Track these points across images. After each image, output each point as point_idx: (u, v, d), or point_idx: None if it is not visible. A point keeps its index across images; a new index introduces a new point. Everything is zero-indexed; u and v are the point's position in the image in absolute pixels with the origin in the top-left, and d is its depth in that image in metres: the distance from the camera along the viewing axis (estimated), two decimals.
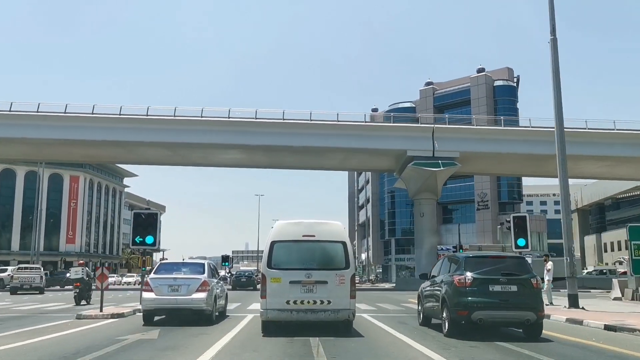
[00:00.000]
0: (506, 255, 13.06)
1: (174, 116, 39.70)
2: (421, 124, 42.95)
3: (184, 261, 15.53)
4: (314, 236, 10.38)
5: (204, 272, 12.80)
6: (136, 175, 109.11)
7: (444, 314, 10.34)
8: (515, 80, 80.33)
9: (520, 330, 10.53)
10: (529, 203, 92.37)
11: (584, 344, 9.60)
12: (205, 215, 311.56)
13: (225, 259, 60.29)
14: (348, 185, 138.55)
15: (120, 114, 39.48)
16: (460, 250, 36.69)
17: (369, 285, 67.68)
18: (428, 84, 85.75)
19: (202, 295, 12.13)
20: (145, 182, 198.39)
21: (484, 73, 78.76)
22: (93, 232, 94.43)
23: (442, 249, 80.00)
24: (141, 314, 12.94)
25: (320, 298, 9.99)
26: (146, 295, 12.46)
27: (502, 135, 38.99)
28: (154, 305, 12.28)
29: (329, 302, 10.00)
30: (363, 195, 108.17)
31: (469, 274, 10.01)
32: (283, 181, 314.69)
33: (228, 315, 14.47)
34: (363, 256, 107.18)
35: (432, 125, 40.59)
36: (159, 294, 12.13)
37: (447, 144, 39.50)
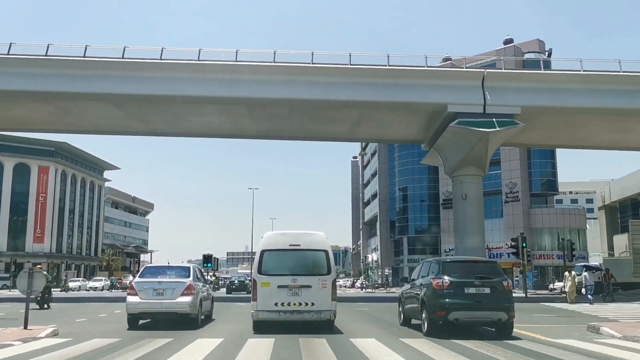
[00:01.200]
0: (480, 260, 14.44)
1: (123, 58, 28.08)
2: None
3: (170, 265, 14.66)
4: (299, 245, 11.58)
5: (189, 276, 12.62)
6: (118, 168, 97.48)
7: (424, 315, 11.06)
8: (547, 53, 68.84)
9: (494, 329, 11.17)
10: (559, 201, 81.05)
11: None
12: (198, 215, 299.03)
13: (207, 259, 48.67)
14: (352, 180, 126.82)
15: (47, 55, 27.93)
16: None
17: (382, 292, 55.50)
18: (446, 59, 74.14)
19: (187, 299, 12.05)
20: (129, 176, 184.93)
21: (512, 45, 67.25)
22: (66, 231, 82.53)
23: None
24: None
25: (305, 300, 11.14)
26: (130, 299, 12.22)
27: (583, 84, 27.26)
28: (138, 309, 12.13)
29: (313, 304, 11.17)
30: (370, 190, 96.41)
31: (446, 278, 10.71)
32: (282, 177, 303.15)
33: (214, 319, 14.40)
34: (370, 258, 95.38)
35: (483, 70, 28.74)
36: (144, 297, 12.02)
37: (503, 95, 27.71)
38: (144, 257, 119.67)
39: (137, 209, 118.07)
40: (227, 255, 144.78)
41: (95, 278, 60.67)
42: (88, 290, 53.98)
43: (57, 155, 79.57)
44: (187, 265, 14.02)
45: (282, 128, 33.04)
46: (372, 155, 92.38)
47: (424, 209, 74.59)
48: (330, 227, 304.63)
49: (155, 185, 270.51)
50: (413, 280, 12.76)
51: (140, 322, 12.60)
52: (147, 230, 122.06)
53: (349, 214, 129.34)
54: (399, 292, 14.19)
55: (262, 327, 11.33)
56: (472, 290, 10.57)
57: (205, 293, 13.77)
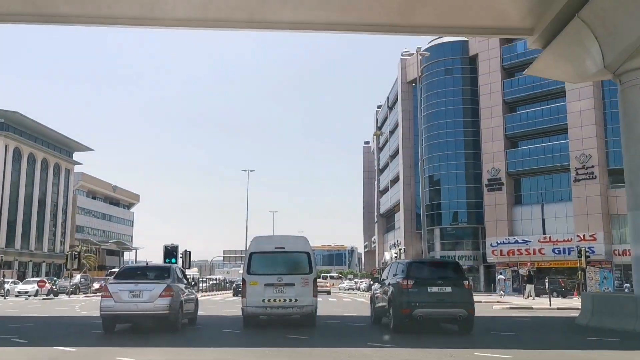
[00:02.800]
0: (443, 261, 15.06)
1: None
2: None
3: (149, 265, 15.24)
4: (283, 248, 12.75)
5: (169, 277, 12.09)
6: (90, 149, 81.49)
7: (391, 312, 11.71)
8: None
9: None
10: None
11: None
12: (191, 208, 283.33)
13: (170, 252, 32.86)
14: (363, 169, 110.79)
15: None
16: None
17: None
18: None
19: (165, 301, 11.42)
20: (108, 161, 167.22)
21: None
22: (20, 222, 67.00)
23: (516, 241, 53.05)
24: None
25: (289, 297, 12.22)
26: (105, 302, 11.55)
27: None
28: (112, 312, 11.47)
29: (296, 300, 12.22)
30: (388, 175, 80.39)
31: (411, 277, 11.42)
32: (285, 167, 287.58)
33: (199, 324, 13.63)
34: (387, 256, 79.13)
35: None
36: (119, 300, 11.39)
37: None
38: (128, 256, 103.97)
39: (120, 200, 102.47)
40: (224, 253, 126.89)
41: (28, 280, 44.77)
42: (18, 296, 38.81)
43: (7, 128, 63.88)
44: (167, 265, 13.99)
45: (313, 16, 17.46)
46: (392, 132, 76.45)
47: (461, 192, 58.48)
48: (336, 223, 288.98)
49: (142, 174, 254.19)
50: (383, 280, 13.28)
51: (118, 326, 11.99)
52: (132, 225, 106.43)
53: (358, 207, 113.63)
54: (371, 292, 15.01)
55: (251, 322, 12.60)
56: (434, 289, 11.25)
57: (187, 296, 12.89)
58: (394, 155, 74.90)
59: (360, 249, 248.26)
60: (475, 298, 13.83)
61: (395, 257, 73.15)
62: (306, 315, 12.50)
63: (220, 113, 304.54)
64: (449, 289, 11.29)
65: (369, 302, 14.76)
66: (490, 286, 56.37)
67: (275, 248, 12.72)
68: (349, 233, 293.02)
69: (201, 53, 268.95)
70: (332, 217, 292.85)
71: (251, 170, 70.33)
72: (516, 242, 51.30)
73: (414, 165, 65.91)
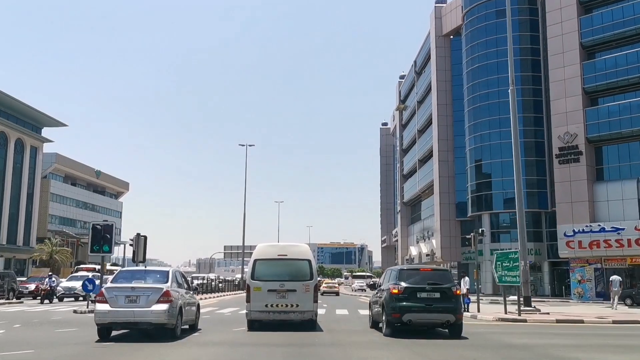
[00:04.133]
0: (433, 268, 14.37)
1: None
2: None
3: (147, 269, 13.24)
4: (286, 255, 13.07)
5: (167, 281, 11.21)
6: (64, 125, 68.20)
7: (383, 317, 11.86)
8: None
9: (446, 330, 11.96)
10: None
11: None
12: (188, 198, 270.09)
13: (99, 235, 19.71)
14: (380, 154, 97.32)
15: None
16: None
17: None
18: None
19: (162, 307, 10.61)
20: (90, 142, 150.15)
21: None
22: None
23: (602, 229, 39.28)
24: None
25: (290, 302, 12.52)
26: (100, 307, 10.70)
27: None
28: (107, 319, 10.59)
29: (297, 305, 12.54)
30: (413, 156, 66.99)
31: (402, 284, 11.65)
32: (288, 154, 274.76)
33: (200, 329, 12.82)
34: (414, 251, 65.95)
35: None
36: (114, 305, 10.58)
37: None
38: (117, 252, 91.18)
39: (106, 188, 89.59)
40: (225, 249, 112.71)
41: None
42: None
43: None
44: (166, 269, 12.54)
45: None
46: (421, 101, 62.97)
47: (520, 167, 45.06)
48: (346, 217, 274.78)
49: (133, 159, 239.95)
50: (380, 286, 13.59)
51: (114, 333, 11.17)
52: (120, 216, 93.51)
53: (372, 200, 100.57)
54: (370, 298, 15.12)
55: (254, 325, 12.76)
56: (424, 295, 11.45)
57: (187, 301, 12.05)
58: (423, 129, 61.37)
59: (372, 246, 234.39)
60: (546, 308, 15.25)
61: (427, 256, 59.78)
62: (307, 320, 12.85)
63: (222, 90, 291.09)
64: (437, 295, 11.48)
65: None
66: (560, 289, 42.77)
67: (278, 255, 13.12)
68: (360, 227, 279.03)
69: (206, 17, 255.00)
70: (343, 211, 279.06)
71: (250, 145, 57.42)
72: (602, 230, 37.62)
73: (454, 137, 52.38)
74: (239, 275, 68.02)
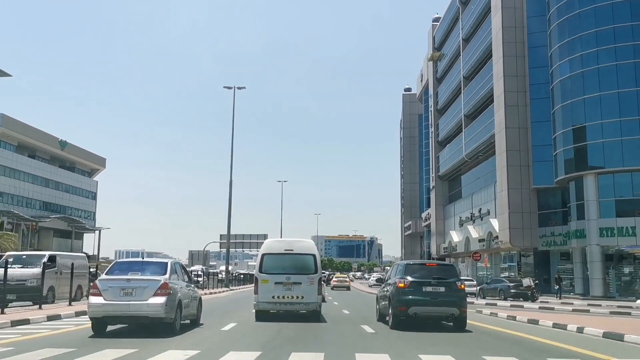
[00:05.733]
0: (439, 263, 15.71)
1: None
2: None
3: (145, 260, 11.78)
4: (292, 250, 13.40)
5: (165, 273, 10.34)
6: (7, 75, 52.61)
7: (390, 310, 11.91)
8: None
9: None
10: None
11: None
12: (178, 178, 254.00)
13: None
14: (402, 125, 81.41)
15: None
16: None
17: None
18: None
19: (160, 300, 9.83)
20: (58, 111, 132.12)
21: None
22: None
23: None
24: None
25: (296, 294, 12.86)
26: (93, 299, 9.89)
27: None
28: (101, 312, 9.80)
29: (302, 297, 12.87)
30: (454, 113, 51.23)
31: (408, 278, 11.70)
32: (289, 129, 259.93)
33: (202, 324, 12.01)
34: (457, 236, 50.54)
35: None
36: (109, 298, 9.81)
37: None
38: (93, 239, 76.03)
39: (76, 163, 74.19)
40: (221, 238, 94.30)
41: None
42: None
43: None
44: (165, 260, 11.78)
45: None
46: (467, 39, 47.15)
47: (633, 104, 29.17)
48: (349, 211, 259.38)
49: (111, 131, 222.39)
50: (387, 280, 13.51)
51: (109, 328, 10.37)
52: (95, 198, 78.25)
53: (388, 183, 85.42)
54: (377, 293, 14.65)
55: (262, 316, 13.09)
56: (429, 288, 11.49)
57: (187, 294, 11.31)
58: (472, 73, 45.66)
59: (382, 238, 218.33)
60: None
61: (482, 242, 43.61)
62: (311, 311, 13.26)
63: (224, 61, 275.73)
64: (442, 289, 11.55)
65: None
66: None
67: (285, 250, 13.41)
68: (370, 218, 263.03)
69: None
70: (353, 201, 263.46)
71: (240, 87, 41.69)
72: None
73: (528, 71, 36.55)
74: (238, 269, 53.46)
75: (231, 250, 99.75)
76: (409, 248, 78.43)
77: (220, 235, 76.79)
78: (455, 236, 50.21)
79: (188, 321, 11.47)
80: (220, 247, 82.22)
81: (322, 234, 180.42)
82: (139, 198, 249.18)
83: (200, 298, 12.60)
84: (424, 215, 64.23)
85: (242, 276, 59.14)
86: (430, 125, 59.15)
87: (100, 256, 70.70)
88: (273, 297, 12.84)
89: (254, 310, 13.19)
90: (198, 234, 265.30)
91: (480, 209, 43.70)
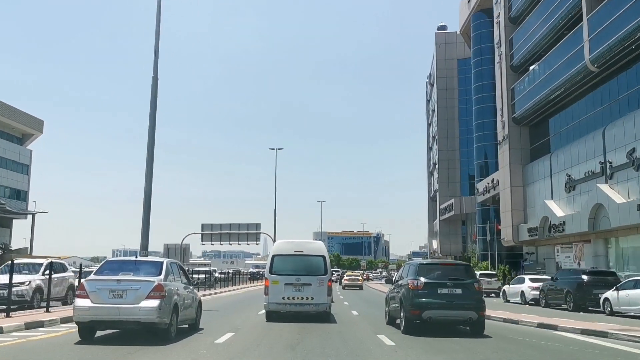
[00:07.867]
0: (454, 262, 15.23)
1: None
2: None
3: (138, 259, 10.52)
4: (302, 251, 13.54)
5: (159, 274, 9.38)
6: None
7: (402, 314, 11.08)
8: None
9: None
10: None
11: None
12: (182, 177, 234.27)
13: None
14: (436, 71, 61.04)
15: None
16: None
17: None
18: None
19: (153, 303, 8.83)
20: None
21: None
22: None
23: None
24: None
25: (306, 295, 12.94)
26: (80, 302, 8.90)
27: None
28: (88, 317, 8.83)
29: (312, 298, 12.93)
30: (542, 21, 30.91)
31: (421, 279, 10.78)
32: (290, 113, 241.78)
33: (202, 329, 11.06)
34: (559, 210, 29.57)
35: None
36: (97, 301, 8.81)
37: None
38: (25, 225, 55.78)
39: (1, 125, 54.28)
40: (203, 228, 70.69)
41: None
42: None
43: None
44: (160, 259, 10.39)
45: None
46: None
47: None
48: (352, 208, 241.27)
49: (50, 87, 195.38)
50: (397, 281, 12.80)
51: (99, 333, 9.40)
52: (28, 172, 58.22)
53: (408, 172, 64.11)
54: (386, 293, 14.18)
55: (272, 316, 13.23)
56: (444, 290, 10.66)
57: (184, 297, 10.32)
58: None
59: (389, 236, 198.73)
60: None
61: (559, 226, 22.98)
62: (321, 312, 13.22)
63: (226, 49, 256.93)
64: (459, 291, 10.73)
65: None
66: None
67: (295, 251, 13.49)
68: (370, 212, 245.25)
69: None
70: (358, 193, 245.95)
71: None
72: None
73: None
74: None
75: (227, 248, 76.64)
76: (446, 237, 58.22)
77: (202, 224, 53.12)
78: (559, 208, 30.01)
79: (186, 326, 10.72)
80: (202, 240, 56.98)
81: (325, 230, 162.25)
82: (86, 166, 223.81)
83: (200, 300, 11.74)
84: (481, 185, 43.84)
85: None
86: (497, 45, 38.85)
87: (32, 247, 49.87)
88: (283, 297, 13.00)
89: (264, 311, 13.42)
90: (178, 224, 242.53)
91: (634, 148, 23.57)
